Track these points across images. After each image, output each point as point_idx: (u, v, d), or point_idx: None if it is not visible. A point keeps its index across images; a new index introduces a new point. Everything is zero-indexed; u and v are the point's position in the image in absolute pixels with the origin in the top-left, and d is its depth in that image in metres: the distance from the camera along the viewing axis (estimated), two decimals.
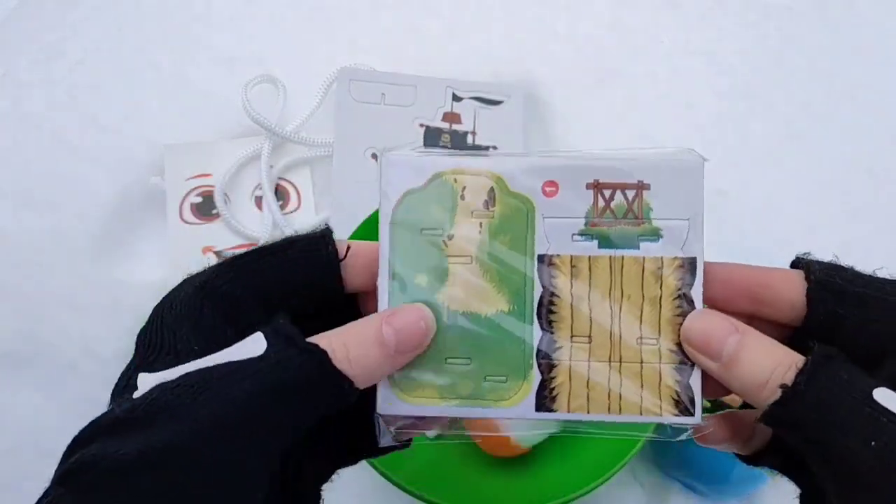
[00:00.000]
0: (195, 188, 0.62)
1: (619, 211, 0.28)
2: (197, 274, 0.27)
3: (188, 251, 0.60)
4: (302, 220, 0.61)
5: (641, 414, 0.28)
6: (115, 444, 0.22)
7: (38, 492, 0.22)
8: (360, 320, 0.26)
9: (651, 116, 0.66)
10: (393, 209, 0.28)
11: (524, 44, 0.69)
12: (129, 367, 0.26)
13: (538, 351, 0.28)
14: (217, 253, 0.60)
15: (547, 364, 0.28)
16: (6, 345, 0.58)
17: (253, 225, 0.61)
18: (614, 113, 0.66)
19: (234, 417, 0.22)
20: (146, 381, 0.24)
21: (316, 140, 0.63)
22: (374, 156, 0.62)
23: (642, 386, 0.28)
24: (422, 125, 0.64)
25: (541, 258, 0.28)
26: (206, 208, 0.61)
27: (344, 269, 0.27)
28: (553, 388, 0.28)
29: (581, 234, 0.28)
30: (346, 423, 0.28)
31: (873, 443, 0.22)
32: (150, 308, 0.63)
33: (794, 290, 0.27)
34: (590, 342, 0.28)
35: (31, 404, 0.57)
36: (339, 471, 0.56)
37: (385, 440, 0.28)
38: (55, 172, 0.63)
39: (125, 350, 0.58)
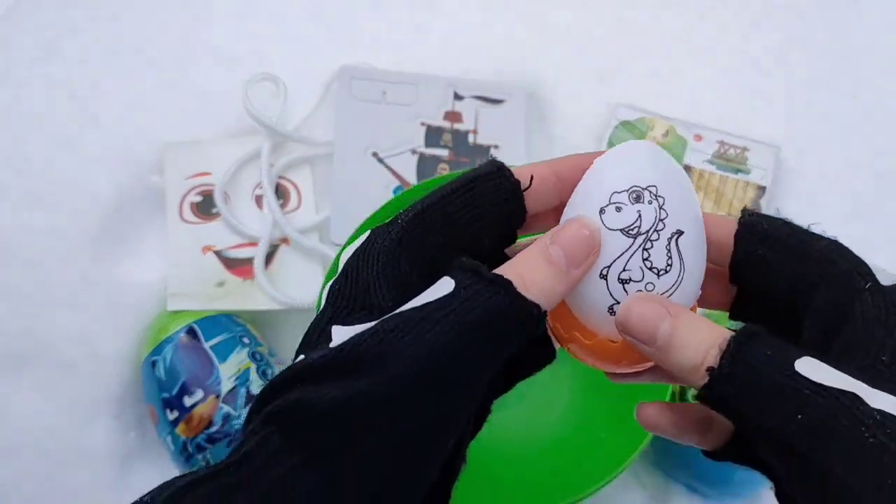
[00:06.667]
0: (195, 187, 0.62)
1: (730, 156, 0.63)
2: (389, 225, 0.27)
3: (188, 250, 0.60)
4: (302, 219, 0.61)
5: None
6: (320, 389, 0.22)
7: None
8: (529, 247, 0.26)
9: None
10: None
11: (526, 42, 0.68)
12: (319, 320, 0.26)
13: None
14: (217, 253, 0.60)
15: None
16: (5, 344, 0.58)
17: (253, 224, 0.60)
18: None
19: (435, 363, 0.22)
20: (341, 333, 0.24)
21: (316, 138, 0.62)
22: (375, 154, 0.62)
23: None
24: (423, 124, 0.63)
25: (685, 168, 0.59)
26: (205, 207, 0.61)
27: (529, 194, 0.28)
28: None
29: (709, 161, 0.63)
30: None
31: (800, 416, 0.22)
32: (150, 307, 0.63)
33: (724, 232, 0.28)
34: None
35: (30, 404, 0.57)
36: None
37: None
38: (54, 171, 0.63)
39: (125, 349, 0.58)
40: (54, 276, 0.59)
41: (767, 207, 0.61)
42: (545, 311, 0.25)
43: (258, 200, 0.62)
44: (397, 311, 0.24)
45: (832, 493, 0.22)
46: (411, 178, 0.61)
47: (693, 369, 0.25)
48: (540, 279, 0.25)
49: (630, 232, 0.28)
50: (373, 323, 0.24)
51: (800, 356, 0.23)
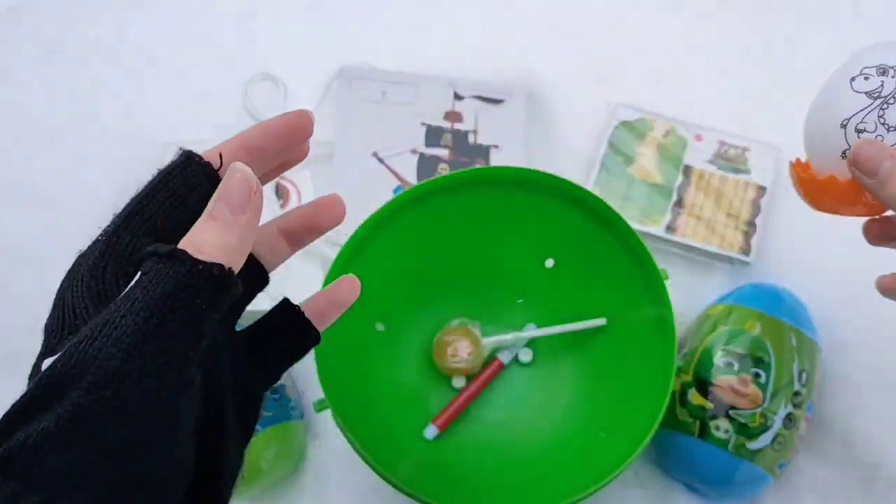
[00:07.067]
0: None
1: (730, 156, 0.62)
2: (92, 244, 0.27)
3: None
4: None
5: (721, 247, 0.59)
6: (32, 425, 0.22)
7: None
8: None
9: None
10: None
11: (526, 43, 0.68)
12: (36, 359, 0.26)
13: (674, 201, 0.61)
14: None
15: (677, 208, 0.61)
16: (5, 344, 0.58)
17: None
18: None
19: (126, 356, 0.22)
20: (48, 364, 0.24)
21: (317, 138, 0.62)
22: (375, 154, 0.62)
23: (723, 236, 0.59)
24: (423, 124, 0.63)
25: (685, 168, 0.62)
26: None
27: (222, 175, 0.28)
28: (677, 222, 0.60)
29: (710, 161, 0.62)
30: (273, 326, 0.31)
31: None
32: None
33: None
34: (700, 210, 0.60)
35: None
36: (339, 471, 0.56)
37: None
38: (55, 170, 0.63)
39: None
40: (55, 276, 0.59)
41: (767, 208, 0.61)
42: (230, 269, 0.25)
43: None
44: (90, 322, 0.23)
45: None
46: (412, 177, 0.61)
47: None
48: (211, 238, 0.25)
49: (872, 95, 0.37)
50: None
51: None
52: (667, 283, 0.49)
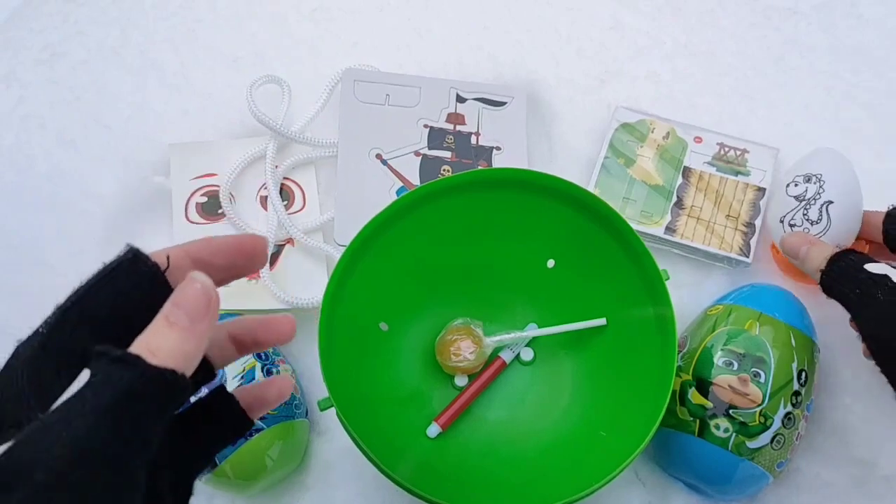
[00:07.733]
0: (200, 188, 0.62)
1: (730, 157, 0.63)
2: (32, 335, 0.27)
3: None
4: (307, 220, 0.61)
5: (720, 248, 0.59)
6: None
7: None
8: (156, 317, 0.26)
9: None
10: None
11: (527, 45, 0.69)
12: None
13: (674, 202, 0.61)
14: None
15: (676, 209, 0.60)
16: (9, 345, 0.58)
17: (258, 225, 0.61)
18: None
19: (77, 459, 0.22)
20: None
21: (320, 140, 0.63)
22: (379, 156, 0.62)
23: (722, 237, 0.59)
24: (426, 126, 0.64)
25: (685, 169, 0.62)
26: (211, 208, 0.62)
27: (170, 277, 0.28)
28: (677, 223, 0.60)
29: (709, 163, 0.62)
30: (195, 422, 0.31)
31: (857, 290, 0.43)
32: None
33: (879, 219, 0.50)
34: (700, 212, 0.60)
35: None
36: (342, 468, 0.56)
37: None
38: (59, 172, 0.63)
39: None
40: (60, 278, 0.59)
41: (766, 210, 0.61)
42: (183, 374, 0.25)
43: (263, 201, 0.62)
44: (38, 419, 0.23)
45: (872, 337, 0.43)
46: (414, 179, 0.62)
47: (815, 271, 0.47)
48: (167, 344, 0.25)
49: (798, 198, 0.51)
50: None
51: (873, 261, 0.43)
52: (667, 283, 0.49)
